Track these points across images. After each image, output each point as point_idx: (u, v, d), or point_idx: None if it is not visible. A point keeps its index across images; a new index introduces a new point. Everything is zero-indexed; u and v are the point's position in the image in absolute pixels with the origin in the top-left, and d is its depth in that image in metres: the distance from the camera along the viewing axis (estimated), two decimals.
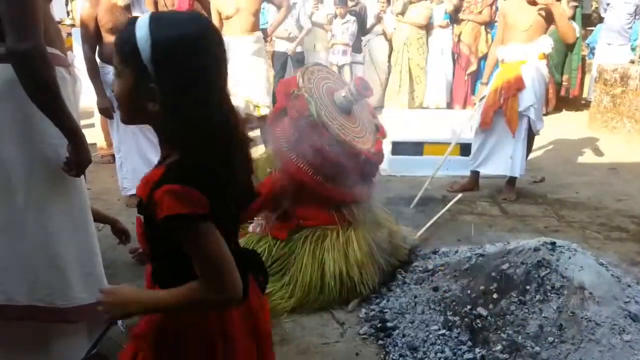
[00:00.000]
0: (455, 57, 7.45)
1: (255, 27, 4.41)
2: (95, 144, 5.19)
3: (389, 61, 7.46)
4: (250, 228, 2.81)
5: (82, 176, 1.82)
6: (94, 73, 3.59)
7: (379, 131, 2.88)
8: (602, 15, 7.87)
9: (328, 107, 2.61)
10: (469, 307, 2.22)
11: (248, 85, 4.39)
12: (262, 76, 4.46)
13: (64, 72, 1.76)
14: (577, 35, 6.93)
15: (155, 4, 4.77)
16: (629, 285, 2.30)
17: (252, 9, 4.31)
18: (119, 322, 1.99)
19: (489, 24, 7.18)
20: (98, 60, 3.67)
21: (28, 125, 1.65)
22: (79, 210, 1.81)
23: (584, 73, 7.81)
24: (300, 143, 2.49)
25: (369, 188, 2.79)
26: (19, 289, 1.70)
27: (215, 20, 4.46)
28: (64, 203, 1.76)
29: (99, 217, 2.90)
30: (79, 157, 1.70)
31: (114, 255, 3.01)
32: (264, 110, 4.44)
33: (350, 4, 7.02)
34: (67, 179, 1.75)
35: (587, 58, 8.23)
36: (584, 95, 8.01)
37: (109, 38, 3.55)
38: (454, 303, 2.29)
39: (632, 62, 7.16)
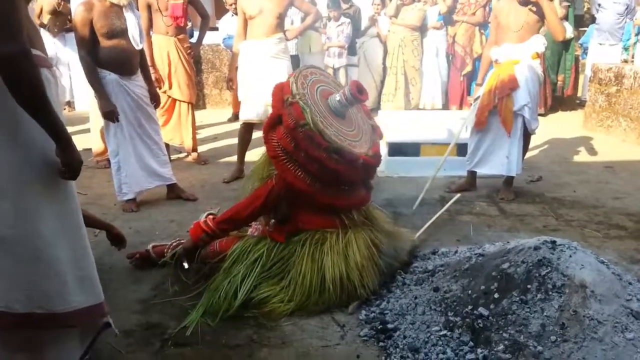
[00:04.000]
0: (450, 58, 7.46)
1: (277, 30, 4.35)
2: (90, 149, 5.17)
3: (384, 63, 7.46)
4: (250, 231, 2.79)
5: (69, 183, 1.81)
6: (94, 77, 3.54)
7: (376, 132, 2.86)
8: (595, 15, 7.92)
9: (323, 113, 2.56)
10: (470, 307, 2.21)
11: (268, 88, 4.32)
12: (283, 78, 4.40)
13: (47, 73, 1.74)
14: (570, 34, 6.97)
15: (149, 7, 4.77)
16: (630, 283, 2.29)
17: (276, 12, 4.26)
18: (112, 326, 1.98)
19: (483, 25, 7.20)
20: None
21: (15, 129, 1.63)
22: (71, 213, 1.79)
23: (577, 73, 7.84)
24: (297, 152, 2.45)
25: (368, 191, 2.78)
26: (16, 296, 1.67)
27: (240, 21, 4.44)
28: (56, 206, 1.73)
29: (94, 223, 2.90)
30: (69, 159, 1.68)
31: (111, 260, 2.99)
32: None
33: (344, 6, 7.03)
34: (58, 183, 1.73)
35: (580, 58, 8.27)
36: (578, 94, 8.03)
37: (104, 43, 3.52)
38: (454, 303, 2.27)
39: (625, 61, 7.20)
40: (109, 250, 2.96)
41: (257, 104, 4.37)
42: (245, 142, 4.66)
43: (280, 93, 2.59)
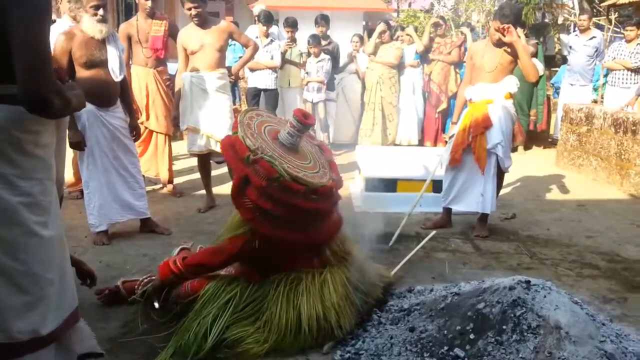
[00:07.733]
0: (426, 96, 7.61)
1: (219, 63, 4.43)
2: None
3: (362, 99, 7.56)
4: (224, 270, 2.74)
5: (59, 206, 1.89)
6: None
7: (325, 152, 2.81)
8: (567, 56, 8.19)
9: (282, 155, 2.47)
10: (446, 347, 2.19)
11: (210, 121, 4.38)
12: (225, 112, 4.45)
13: None
14: (541, 72, 7.18)
15: (129, 39, 4.77)
16: (603, 324, 2.31)
17: (217, 45, 4.34)
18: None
19: (458, 64, 7.38)
20: None
21: (25, 165, 1.70)
22: (61, 237, 1.85)
23: (549, 108, 8.07)
24: (276, 206, 2.36)
25: (339, 215, 2.74)
26: (19, 326, 1.69)
27: (181, 57, 4.46)
28: (50, 231, 1.77)
29: None
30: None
31: (79, 295, 2.87)
32: None
33: (323, 42, 7.13)
34: (54, 210, 1.80)
35: (552, 97, 8.51)
36: (551, 132, 8.23)
37: (82, 72, 3.50)
38: (430, 344, 2.25)
39: (595, 101, 7.42)
40: (76, 284, 2.86)
41: (199, 136, 4.42)
42: (205, 172, 4.74)
43: (234, 152, 2.42)
